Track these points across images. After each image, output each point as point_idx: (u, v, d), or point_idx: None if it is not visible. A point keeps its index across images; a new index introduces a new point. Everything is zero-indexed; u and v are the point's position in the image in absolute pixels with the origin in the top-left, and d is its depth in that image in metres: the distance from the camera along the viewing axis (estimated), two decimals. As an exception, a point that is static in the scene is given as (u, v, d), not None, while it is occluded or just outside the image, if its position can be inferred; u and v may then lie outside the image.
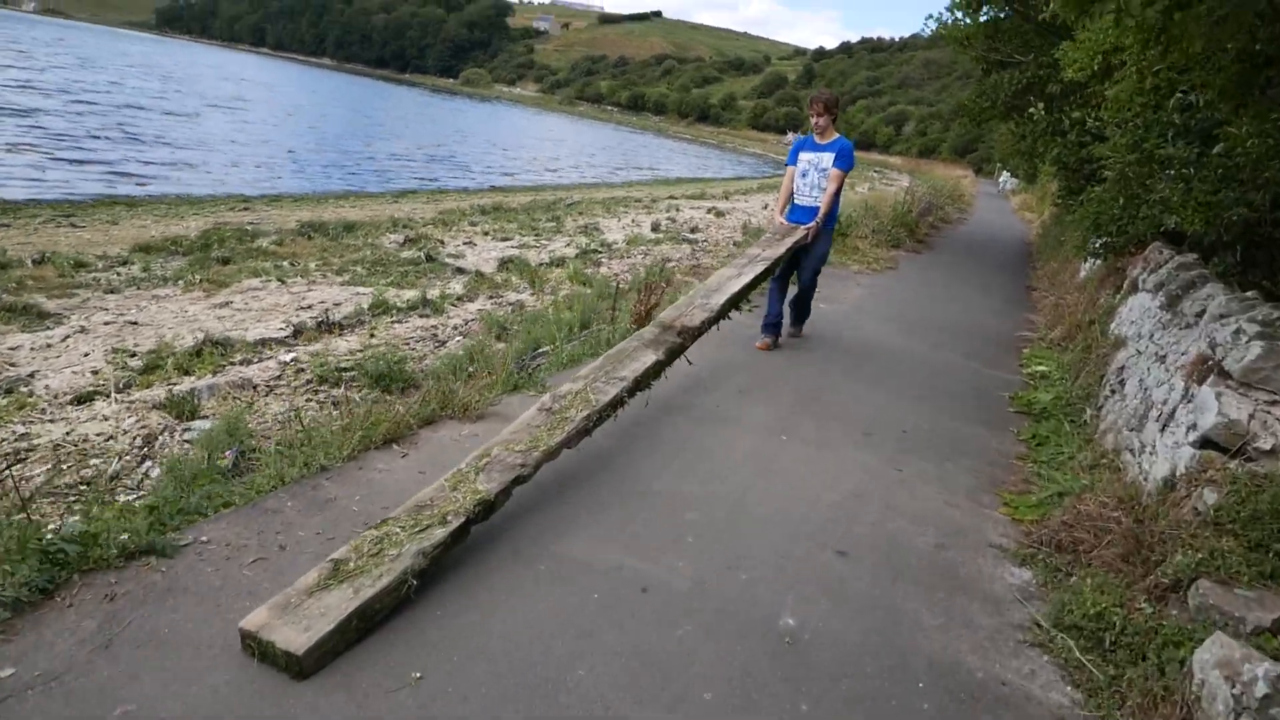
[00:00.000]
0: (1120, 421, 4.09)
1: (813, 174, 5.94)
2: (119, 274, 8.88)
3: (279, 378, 5.68)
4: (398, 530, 2.79)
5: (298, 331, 6.86)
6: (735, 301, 5.10)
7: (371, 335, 6.89)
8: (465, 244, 12.47)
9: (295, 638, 2.33)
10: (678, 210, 20.45)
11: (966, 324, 7.77)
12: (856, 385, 5.45)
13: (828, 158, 5.86)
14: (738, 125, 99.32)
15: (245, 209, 14.91)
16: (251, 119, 30.56)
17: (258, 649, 2.36)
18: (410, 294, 8.73)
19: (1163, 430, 3.33)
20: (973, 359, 6.34)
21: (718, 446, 4.26)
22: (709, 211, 20.26)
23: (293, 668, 2.32)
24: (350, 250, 11.12)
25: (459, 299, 8.80)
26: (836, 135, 5.97)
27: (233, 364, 5.96)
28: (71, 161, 16.48)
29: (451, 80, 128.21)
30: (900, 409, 5.06)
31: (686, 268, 11.75)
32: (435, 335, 7.13)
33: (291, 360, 6.01)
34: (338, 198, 17.74)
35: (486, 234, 13.78)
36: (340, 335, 6.87)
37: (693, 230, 16.14)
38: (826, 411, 4.96)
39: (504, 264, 10.83)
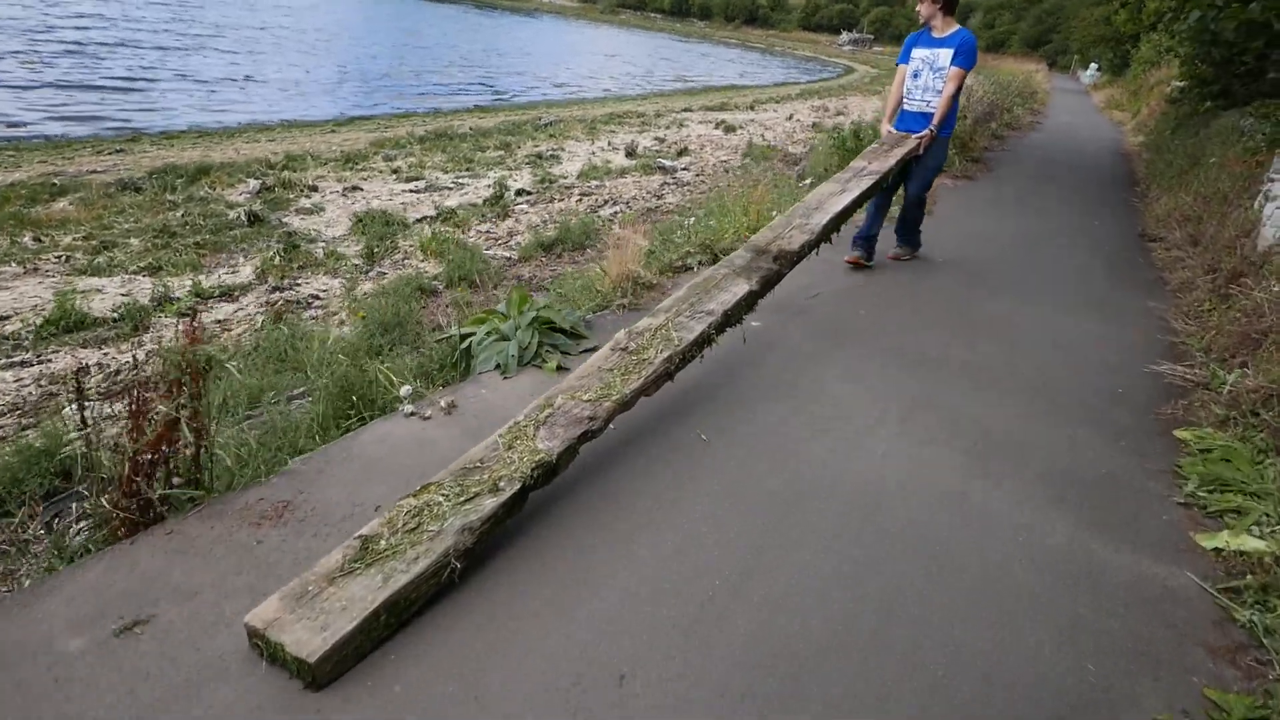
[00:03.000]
0: None
1: (926, 74, 4.90)
2: None
3: None
4: (440, 499, 2.19)
5: None
6: (838, 222, 4.22)
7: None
8: (348, 189, 9.02)
9: (309, 640, 1.78)
10: (681, 127, 16.46)
11: (1038, 349, 3.95)
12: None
13: (945, 54, 4.79)
14: (787, 27, 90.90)
15: (119, 150, 11.70)
16: (258, 47, 26.77)
17: (266, 650, 1.82)
18: (150, 286, 5.45)
19: None
20: (1063, 497, 2.61)
21: None
22: (717, 127, 16.22)
23: (305, 676, 1.77)
24: (161, 210, 7.81)
25: (217, 295, 5.46)
26: (957, 27, 4.84)
27: None
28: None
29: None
30: None
31: (635, 213, 8.11)
32: (21, 403, 3.80)
33: None
34: (260, 130, 14.34)
35: (395, 172, 10.27)
36: None
37: (680, 153, 12.29)
38: None
39: (360, 222, 7.36)
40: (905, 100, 5.01)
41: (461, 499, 2.17)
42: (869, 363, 3.65)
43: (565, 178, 10.25)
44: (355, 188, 9.11)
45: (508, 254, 6.53)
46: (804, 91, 31.35)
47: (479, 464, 2.32)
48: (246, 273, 6.05)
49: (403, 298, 4.88)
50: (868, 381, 3.44)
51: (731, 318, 3.27)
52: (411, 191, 9.18)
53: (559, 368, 3.29)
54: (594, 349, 3.29)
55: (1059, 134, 14.77)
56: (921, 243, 5.56)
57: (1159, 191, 7.81)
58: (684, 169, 10.92)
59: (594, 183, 9.82)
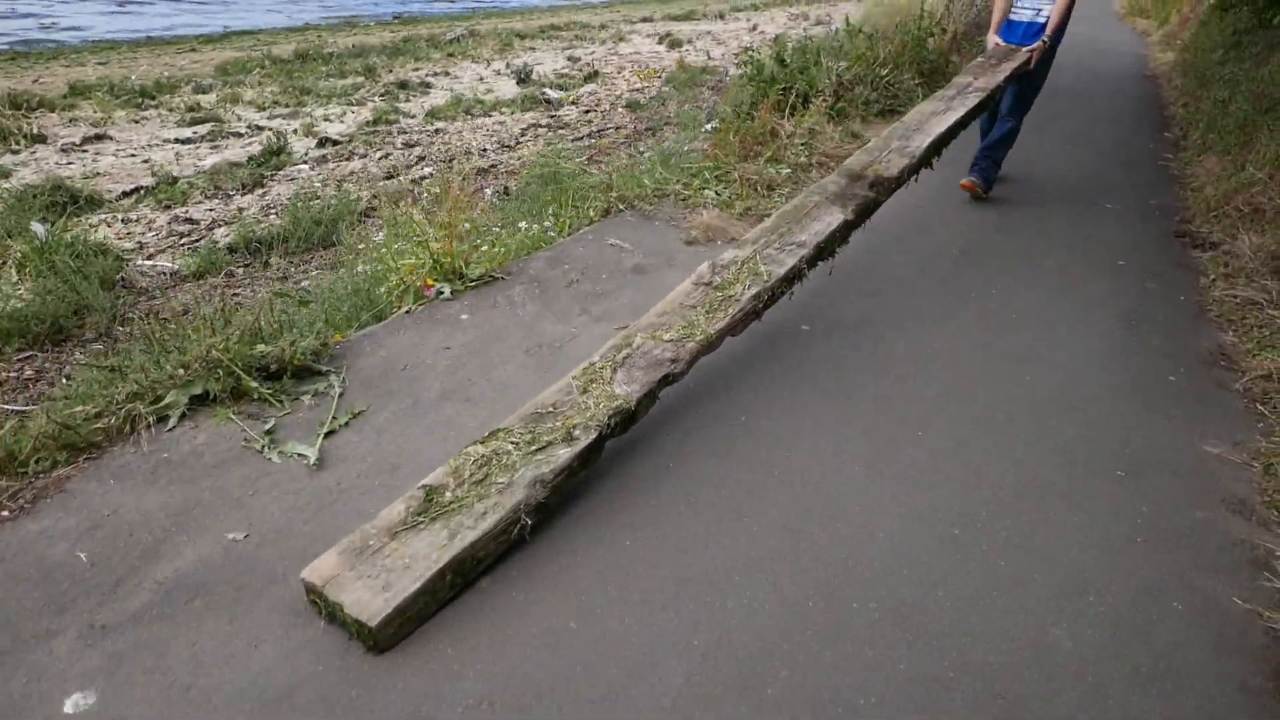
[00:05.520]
0: None
1: None
2: None
3: None
4: (509, 448, 1.88)
5: None
6: (940, 145, 3.61)
7: None
8: (89, 139, 6.47)
9: (370, 601, 1.53)
10: (619, 41, 13.51)
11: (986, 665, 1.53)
12: None
13: None
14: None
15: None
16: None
17: (324, 608, 1.58)
18: None
19: None
20: None
21: None
22: (661, 41, 13.23)
23: (366, 639, 1.52)
24: None
25: None
26: None
27: None
28: None
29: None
30: None
31: (456, 174, 5.49)
32: None
33: None
34: (102, 49, 11.66)
35: (191, 110, 7.66)
36: None
37: (588, 79, 9.48)
38: None
39: (19, 202, 4.87)
40: (1014, 9, 4.41)
41: (533, 448, 1.86)
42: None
43: (412, 116, 7.59)
44: (100, 137, 6.55)
45: (173, 266, 4.04)
46: (795, -4, 27.50)
47: (551, 409, 1.99)
48: None
49: None
50: None
51: (824, 250, 2.77)
52: (183, 141, 6.61)
53: None
54: None
55: (1069, 49, 11.66)
56: (997, 178, 4.67)
57: (1203, 145, 5.12)
58: (577, 101, 8.18)
59: (439, 124, 7.17)
